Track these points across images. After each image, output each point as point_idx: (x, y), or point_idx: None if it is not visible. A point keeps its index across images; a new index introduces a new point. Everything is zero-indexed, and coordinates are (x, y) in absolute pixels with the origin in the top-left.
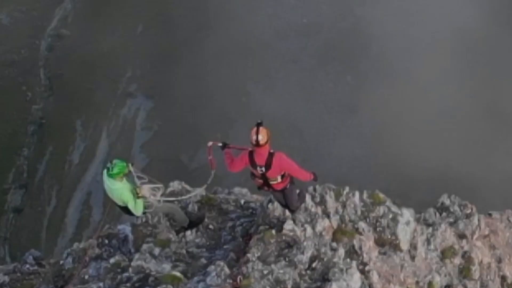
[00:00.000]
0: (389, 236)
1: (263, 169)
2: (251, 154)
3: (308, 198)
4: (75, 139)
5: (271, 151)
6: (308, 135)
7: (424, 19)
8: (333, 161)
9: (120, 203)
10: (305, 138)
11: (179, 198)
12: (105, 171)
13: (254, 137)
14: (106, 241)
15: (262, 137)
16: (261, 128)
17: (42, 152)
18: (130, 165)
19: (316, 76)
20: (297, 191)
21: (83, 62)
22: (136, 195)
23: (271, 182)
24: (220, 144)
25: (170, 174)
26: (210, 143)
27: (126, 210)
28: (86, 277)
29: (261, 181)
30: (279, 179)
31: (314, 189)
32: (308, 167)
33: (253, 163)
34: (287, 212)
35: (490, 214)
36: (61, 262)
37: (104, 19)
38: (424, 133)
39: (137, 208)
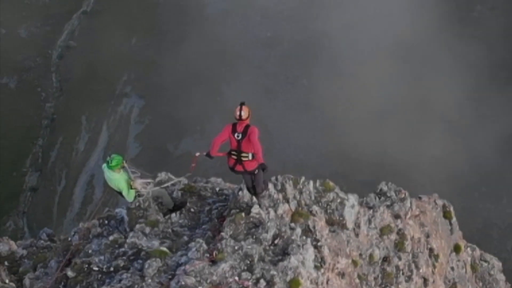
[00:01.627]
0: (337, 217)
1: (240, 135)
2: (234, 125)
3: (271, 186)
4: (80, 131)
5: (249, 124)
6: (272, 128)
7: (367, 31)
8: (292, 149)
9: (117, 190)
10: (269, 131)
11: (164, 185)
12: (105, 164)
13: (237, 113)
14: (106, 222)
15: (244, 113)
16: (244, 107)
17: (53, 142)
18: (124, 162)
19: (278, 80)
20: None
21: (87, 68)
22: (130, 186)
23: (243, 159)
24: (205, 153)
25: (158, 160)
26: (197, 154)
27: (122, 194)
28: (90, 251)
29: (235, 157)
30: (250, 157)
31: (276, 179)
32: (272, 154)
33: (233, 130)
34: (254, 198)
35: (420, 198)
36: (69, 238)
37: (104, 33)
38: (366, 125)
39: (129, 196)
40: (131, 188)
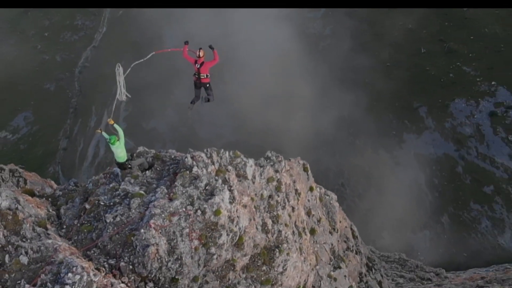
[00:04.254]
0: (242, 172)
1: (199, 65)
2: (196, 60)
3: (203, 154)
4: (91, 115)
5: (204, 61)
6: (201, 115)
7: (261, 47)
8: (214, 128)
9: (118, 159)
10: (201, 117)
11: (145, 156)
12: (110, 144)
13: (198, 53)
14: (108, 175)
15: (201, 54)
16: (201, 50)
17: (76, 122)
18: (116, 138)
19: None
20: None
21: (96, 79)
22: (129, 162)
23: (201, 77)
24: (186, 41)
25: (137, 132)
26: (186, 45)
27: (119, 165)
28: (98, 193)
29: (197, 76)
30: (205, 76)
31: (207, 150)
32: (202, 131)
33: (196, 62)
34: (195, 162)
35: (289, 159)
36: (87, 185)
37: (105, 58)
38: (258, 110)
39: (121, 159)
40: (132, 159)
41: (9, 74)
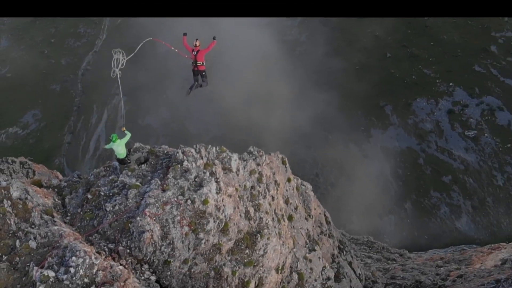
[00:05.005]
0: (227, 166)
1: (196, 53)
2: (193, 50)
3: (193, 151)
4: (93, 113)
5: (201, 49)
6: (192, 112)
7: (244, 52)
8: (202, 124)
9: (119, 156)
10: (191, 114)
11: (141, 151)
12: (111, 142)
13: (195, 43)
14: (108, 169)
15: (199, 43)
16: (198, 40)
17: (79, 119)
18: (115, 136)
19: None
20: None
21: (97, 81)
22: (128, 157)
23: (198, 64)
24: (184, 33)
25: (133, 128)
26: (185, 36)
27: (119, 161)
28: (99, 184)
29: (194, 64)
30: (201, 63)
31: (196, 146)
32: (192, 127)
33: (193, 50)
34: (185, 157)
35: (270, 153)
36: (89, 177)
37: (105, 62)
38: (241, 107)
39: (123, 155)
40: (129, 154)
41: (19, 76)
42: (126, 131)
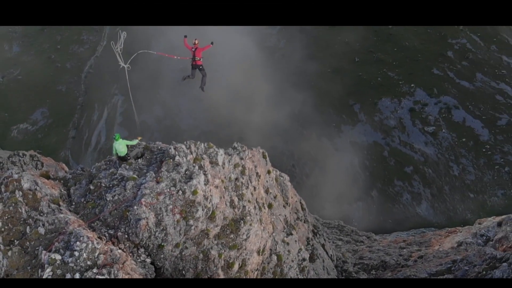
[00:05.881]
0: (214, 160)
1: (194, 50)
2: (192, 47)
3: (184, 147)
4: (94, 111)
5: (199, 47)
6: (182, 110)
7: (229, 56)
8: (191, 120)
9: (119, 153)
10: (181, 112)
11: (138, 147)
12: (115, 141)
13: (194, 42)
14: (108, 163)
15: (198, 42)
16: (197, 40)
17: (82, 116)
18: (118, 135)
19: (186, 86)
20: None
21: (98, 82)
22: (128, 154)
23: (196, 59)
24: (185, 35)
25: (129, 125)
26: (185, 38)
27: (120, 158)
28: (101, 176)
29: (193, 59)
30: (199, 59)
31: (186, 142)
32: (182, 124)
33: (191, 48)
34: (177, 152)
35: (252, 148)
36: (91, 170)
37: (106, 64)
38: (226, 105)
39: (124, 153)
40: (127, 154)
41: (29, 78)
42: (139, 141)
